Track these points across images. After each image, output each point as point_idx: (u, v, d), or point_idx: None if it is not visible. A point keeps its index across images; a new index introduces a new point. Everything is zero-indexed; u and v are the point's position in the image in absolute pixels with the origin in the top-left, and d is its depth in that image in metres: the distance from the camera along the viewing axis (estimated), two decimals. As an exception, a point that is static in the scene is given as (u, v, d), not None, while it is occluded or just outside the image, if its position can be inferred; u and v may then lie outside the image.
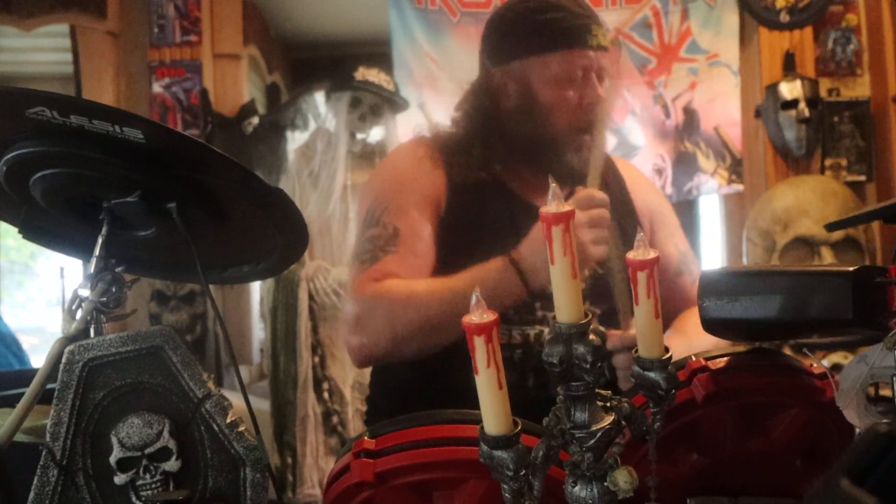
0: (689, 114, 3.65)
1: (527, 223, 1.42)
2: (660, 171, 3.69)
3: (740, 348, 0.96)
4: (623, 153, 3.63)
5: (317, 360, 3.15)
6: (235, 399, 0.92)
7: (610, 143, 3.59)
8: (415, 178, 1.49)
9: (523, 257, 1.34)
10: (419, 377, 1.45)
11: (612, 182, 1.60)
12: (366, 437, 0.88)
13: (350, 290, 1.46)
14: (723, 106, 3.63)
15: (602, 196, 1.37)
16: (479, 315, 0.65)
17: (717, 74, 3.62)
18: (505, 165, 1.49)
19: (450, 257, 1.43)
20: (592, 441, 0.68)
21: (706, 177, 3.67)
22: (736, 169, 3.65)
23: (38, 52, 3.86)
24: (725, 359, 0.93)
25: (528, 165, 1.49)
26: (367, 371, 1.67)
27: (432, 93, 3.49)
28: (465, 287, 1.32)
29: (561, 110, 1.45)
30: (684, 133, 3.66)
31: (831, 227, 0.97)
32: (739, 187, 3.66)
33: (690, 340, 1.37)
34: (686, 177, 3.68)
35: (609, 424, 0.69)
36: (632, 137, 3.67)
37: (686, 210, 4.37)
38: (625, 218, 1.57)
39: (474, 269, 1.35)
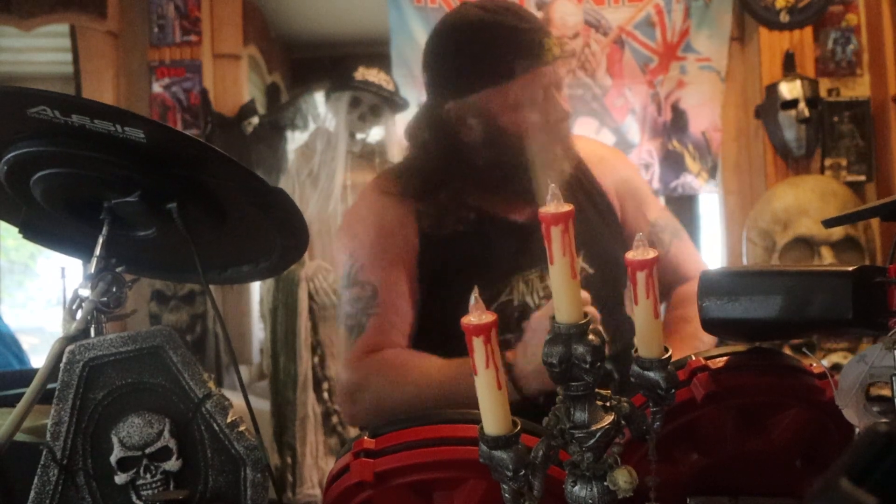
0: (678, 113, 3.69)
1: (513, 241, 1.40)
2: (647, 167, 3.73)
3: (740, 348, 0.96)
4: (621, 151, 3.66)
5: (317, 360, 3.14)
6: (235, 399, 0.92)
7: (609, 141, 3.61)
8: (384, 230, 1.45)
9: (517, 361, 1.28)
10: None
11: (582, 176, 1.55)
12: (366, 437, 0.88)
13: (344, 362, 1.45)
14: (710, 111, 3.67)
15: (585, 296, 1.28)
16: (477, 316, 0.66)
17: (707, 79, 3.64)
18: (479, 194, 1.44)
19: (444, 296, 1.40)
20: (592, 441, 0.68)
21: (691, 176, 3.73)
22: (713, 171, 3.73)
23: (38, 52, 3.86)
24: (725, 358, 0.93)
25: (502, 189, 1.43)
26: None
27: None
28: (456, 375, 1.28)
29: (528, 133, 1.38)
30: (672, 131, 3.69)
31: (829, 223, 0.97)
32: (715, 189, 3.76)
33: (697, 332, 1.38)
34: (673, 174, 3.73)
35: (609, 424, 0.69)
36: (630, 136, 3.69)
37: (686, 210, 4.38)
38: (597, 205, 1.54)
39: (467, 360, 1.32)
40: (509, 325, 1.40)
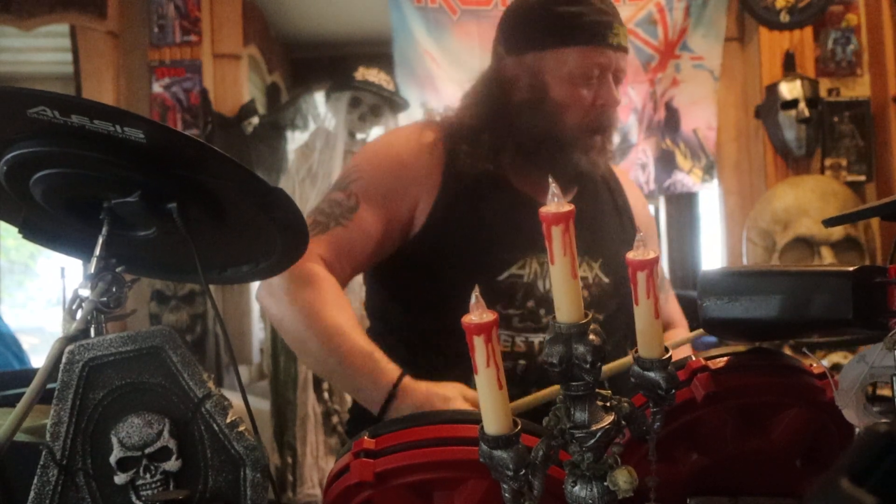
0: (671, 112, 3.71)
1: (528, 217, 1.39)
2: (643, 167, 3.75)
3: (740, 348, 0.96)
4: (621, 151, 3.66)
5: (317, 360, 3.14)
6: (235, 399, 0.92)
7: (613, 142, 3.62)
8: (408, 162, 1.42)
9: (404, 394, 1.24)
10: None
11: (615, 187, 1.59)
12: (366, 437, 0.88)
13: None
14: (702, 110, 3.69)
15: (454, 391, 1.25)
16: (478, 315, 0.65)
17: (700, 78, 3.65)
18: (511, 159, 1.43)
19: (451, 250, 1.38)
20: (592, 441, 0.68)
21: (682, 174, 3.76)
22: (709, 170, 3.75)
23: (38, 52, 3.86)
24: (725, 359, 0.93)
25: (534, 162, 1.42)
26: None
27: (433, 92, 3.49)
28: (354, 359, 1.27)
29: (573, 108, 1.39)
30: (665, 130, 3.71)
31: (829, 222, 0.97)
32: (712, 184, 3.78)
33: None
34: (666, 174, 3.77)
35: (609, 424, 0.69)
36: (630, 135, 3.70)
37: (686, 210, 4.38)
38: (622, 226, 1.55)
39: (376, 353, 1.28)
40: (513, 301, 1.38)
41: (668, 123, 3.71)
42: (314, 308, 1.31)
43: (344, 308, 1.33)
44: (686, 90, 3.67)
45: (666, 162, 3.75)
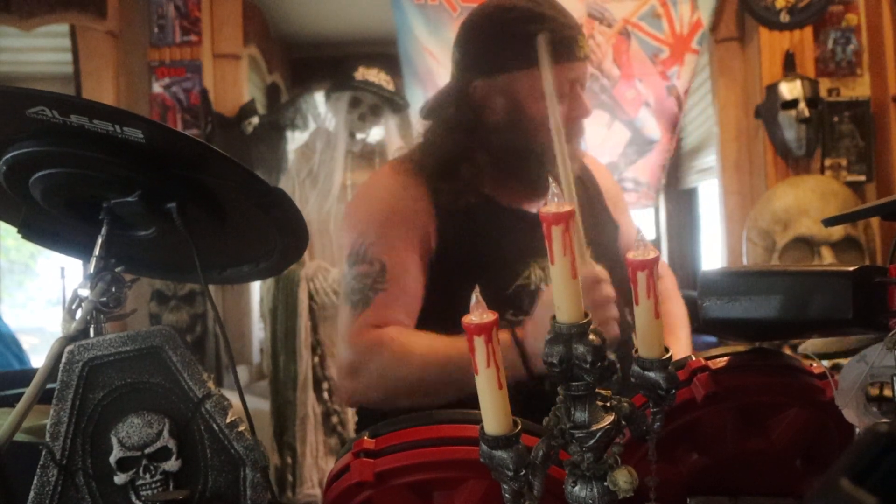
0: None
1: (520, 230, 1.40)
2: (665, 168, 3.69)
3: (740, 348, 0.96)
4: (638, 147, 3.62)
5: (317, 359, 3.14)
6: (235, 399, 0.92)
7: (624, 136, 3.59)
8: (397, 208, 1.43)
9: (527, 338, 1.27)
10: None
11: (587, 180, 1.60)
12: (366, 437, 0.88)
13: (346, 336, 1.40)
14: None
15: (604, 273, 1.30)
16: (478, 315, 0.65)
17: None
18: (493, 181, 1.44)
19: (452, 280, 1.35)
20: (592, 441, 0.68)
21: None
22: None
23: (38, 52, 3.85)
24: (725, 359, 0.93)
25: (515, 178, 1.44)
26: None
27: (434, 90, 3.49)
28: (461, 354, 1.26)
29: (549, 124, 1.39)
30: None
31: (829, 222, 0.97)
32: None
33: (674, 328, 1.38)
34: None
35: (609, 424, 0.69)
36: (646, 131, 3.63)
37: (686, 210, 4.38)
38: (600, 214, 1.58)
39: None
40: (523, 308, 1.39)
41: None
42: (399, 350, 1.33)
43: (417, 332, 1.36)
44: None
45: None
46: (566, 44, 1.40)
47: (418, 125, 1.55)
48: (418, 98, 3.45)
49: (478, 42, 1.47)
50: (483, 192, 1.44)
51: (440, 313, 1.38)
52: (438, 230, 1.42)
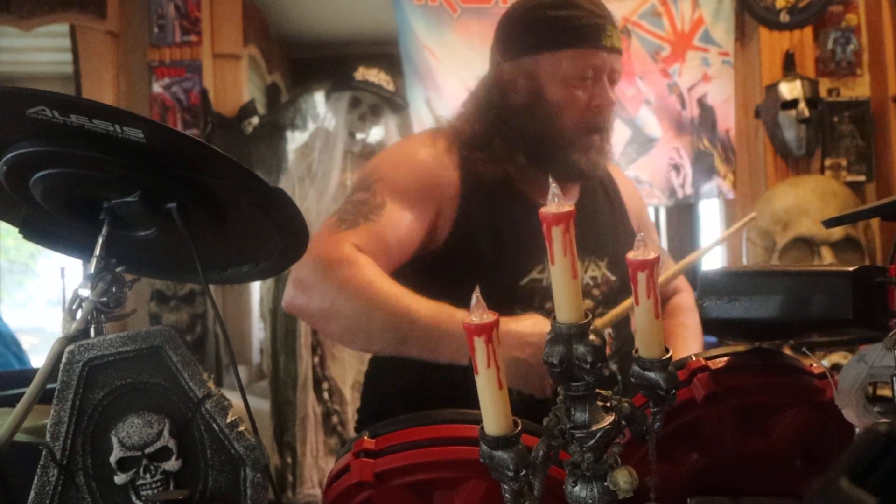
0: (706, 110, 3.61)
1: (538, 224, 1.40)
2: (677, 168, 3.65)
3: (740, 348, 0.96)
4: (639, 146, 3.60)
5: (317, 360, 3.15)
6: (235, 399, 0.92)
7: (624, 134, 3.57)
8: (425, 165, 1.42)
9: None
10: (413, 388, 1.43)
11: (610, 186, 1.60)
12: (366, 437, 0.88)
13: (319, 242, 1.31)
14: (730, 110, 3.63)
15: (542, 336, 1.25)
16: (479, 315, 0.65)
17: (727, 75, 3.61)
18: (519, 166, 1.44)
19: (466, 258, 1.38)
20: (592, 441, 0.68)
21: (719, 180, 3.67)
22: (735, 173, 3.68)
23: (38, 52, 3.86)
24: (725, 359, 0.93)
25: (537, 165, 1.43)
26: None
27: (434, 89, 3.49)
28: (424, 318, 1.22)
29: (570, 110, 1.41)
30: (701, 130, 3.62)
31: (829, 223, 0.97)
32: (733, 192, 3.71)
33: (689, 326, 1.38)
34: (705, 177, 3.66)
35: (609, 424, 0.69)
36: (647, 129, 3.61)
37: (686, 210, 4.37)
38: (620, 223, 1.57)
39: (443, 307, 1.24)
40: (532, 303, 1.39)
41: (703, 122, 3.61)
42: (364, 280, 1.25)
43: (391, 280, 1.29)
44: (719, 86, 3.60)
45: (704, 164, 3.63)
46: (592, 30, 1.40)
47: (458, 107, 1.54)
48: (419, 97, 3.45)
49: (507, 26, 1.50)
50: (510, 174, 1.43)
51: (449, 296, 1.37)
52: (458, 214, 1.40)
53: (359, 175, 1.45)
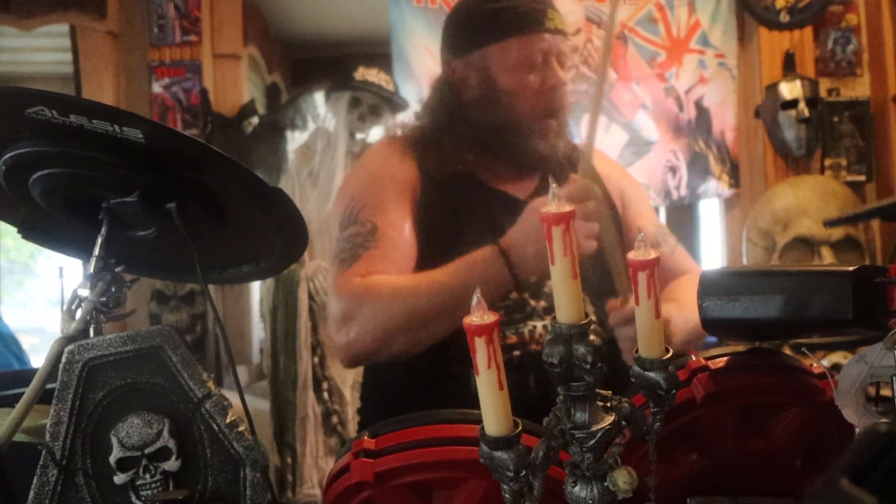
0: (702, 112, 3.62)
1: (498, 211, 1.43)
2: (673, 170, 3.65)
3: (740, 348, 0.96)
4: (636, 149, 3.61)
5: (317, 360, 3.14)
6: (235, 399, 0.92)
7: (621, 138, 3.58)
8: (389, 174, 1.49)
9: (512, 245, 1.32)
10: (411, 386, 1.44)
11: (573, 156, 1.60)
12: (366, 437, 0.88)
13: (333, 288, 1.42)
14: (728, 110, 3.64)
15: (596, 188, 1.37)
16: (479, 316, 0.65)
17: (723, 77, 3.61)
18: (475, 157, 1.50)
19: (429, 252, 1.42)
20: (592, 441, 0.68)
21: (715, 181, 3.68)
22: (733, 174, 3.68)
23: (38, 52, 3.86)
24: (725, 359, 0.93)
25: (495, 154, 1.49)
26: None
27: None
28: (449, 279, 1.32)
29: (523, 95, 1.46)
30: (697, 131, 3.63)
31: (830, 223, 0.97)
32: (734, 190, 3.70)
33: (683, 307, 1.38)
34: (699, 178, 3.67)
35: (609, 425, 0.69)
36: (644, 132, 3.62)
37: (686, 210, 4.37)
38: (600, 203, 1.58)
39: (459, 260, 1.34)
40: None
41: (699, 124, 3.62)
42: (386, 284, 1.35)
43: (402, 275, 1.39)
44: (714, 88, 3.61)
45: (699, 166, 3.65)
46: (534, 15, 1.45)
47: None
48: (412, 98, 3.45)
49: (453, 24, 1.56)
50: (467, 165, 1.49)
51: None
52: (423, 195, 1.47)
53: (338, 211, 1.51)
